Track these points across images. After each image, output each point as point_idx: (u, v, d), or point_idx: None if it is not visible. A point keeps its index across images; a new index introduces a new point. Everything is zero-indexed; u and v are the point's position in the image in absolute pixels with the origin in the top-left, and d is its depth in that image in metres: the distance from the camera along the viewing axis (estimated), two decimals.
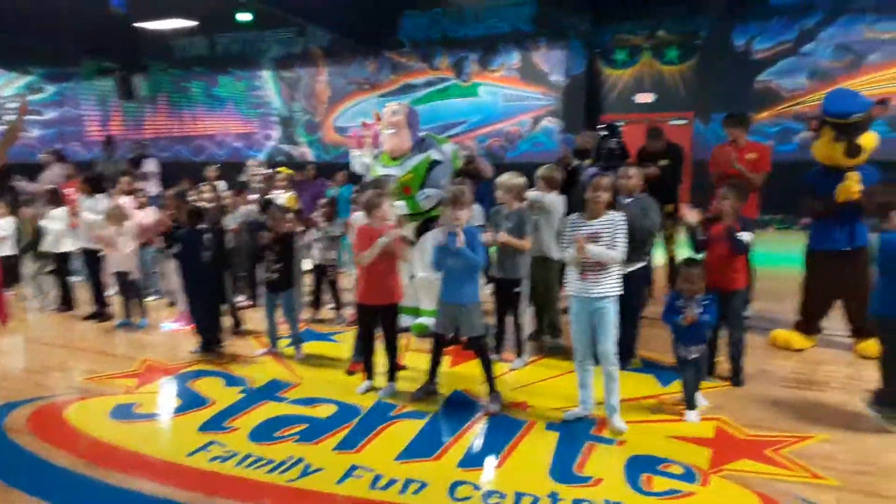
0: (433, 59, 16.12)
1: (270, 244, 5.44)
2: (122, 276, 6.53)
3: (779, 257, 6.71)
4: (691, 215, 4.77)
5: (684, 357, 4.24)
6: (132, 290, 6.55)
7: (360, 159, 6.32)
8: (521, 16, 15.11)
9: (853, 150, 5.04)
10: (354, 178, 7.83)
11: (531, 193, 5.38)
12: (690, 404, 4.23)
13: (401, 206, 5.72)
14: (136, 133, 20.32)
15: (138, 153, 10.49)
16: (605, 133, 6.72)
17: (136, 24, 16.31)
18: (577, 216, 4.15)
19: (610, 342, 4.05)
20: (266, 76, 18.29)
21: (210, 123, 19.33)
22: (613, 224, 4.01)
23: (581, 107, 14.39)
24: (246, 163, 9.70)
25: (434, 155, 5.83)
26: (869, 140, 5.09)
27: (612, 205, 4.09)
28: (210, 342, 5.64)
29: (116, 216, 6.44)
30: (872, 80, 12.18)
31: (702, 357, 4.26)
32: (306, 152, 17.94)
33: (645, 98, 14.12)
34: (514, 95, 15.41)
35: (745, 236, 4.58)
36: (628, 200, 4.91)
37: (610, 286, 4.01)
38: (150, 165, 9.94)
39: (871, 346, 5.14)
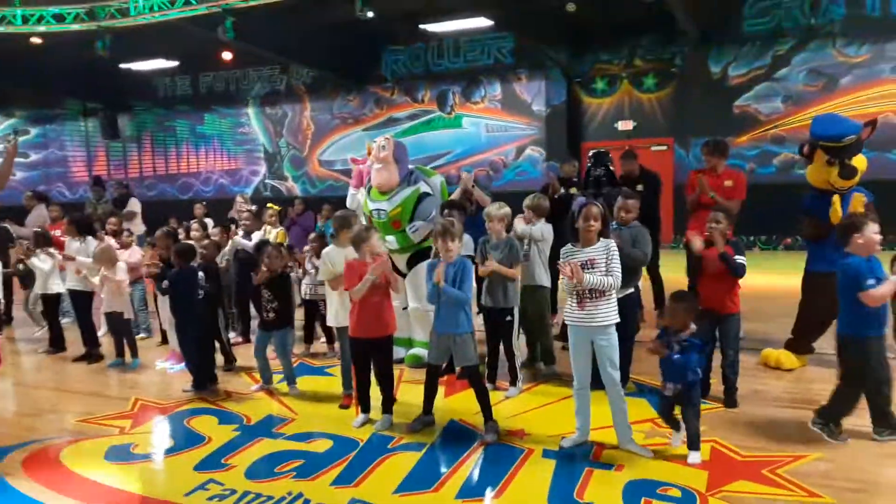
0: (416, 92, 16.37)
1: (266, 283, 5.46)
2: (113, 316, 6.50)
3: (763, 277, 6.80)
4: (696, 242, 4.83)
5: (662, 392, 4.15)
6: (124, 330, 6.53)
7: (355, 197, 6.40)
8: (502, 48, 15.41)
9: (847, 173, 5.16)
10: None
11: (519, 227, 5.46)
12: (693, 444, 3.99)
13: (391, 241, 5.79)
14: (121, 173, 20.34)
15: (121, 193, 10.50)
16: (593, 161, 6.84)
17: (119, 65, 16.42)
18: (570, 245, 4.20)
19: (617, 370, 4.09)
20: (250, 113, 18.46)
21: (195, 161, 19.41)
22: (608, 251, 4.07)
23: (563, 135, 14.64)
24: (234, 199, 9.74)
25: (423, 188, 5.91)
26: (860, 162, 5.22)
27: (604, 232, 4.16)
28: (203, 380, 5.62)
29: (106, 258, 6.44)
30: (846, 102, 12.50)
31: (679, 396, 4.02)
32: (293, 187, 18.03)
33: (626, 125, 14.39)
34: (497, 126, 15.65)
35: (740, 259, 4.67)
36: (622, 229, 5.00)
37: (608, 313, 4.05)
38: (134, 205, 9.96)
39: (770, 354, 5.29)
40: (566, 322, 4.29)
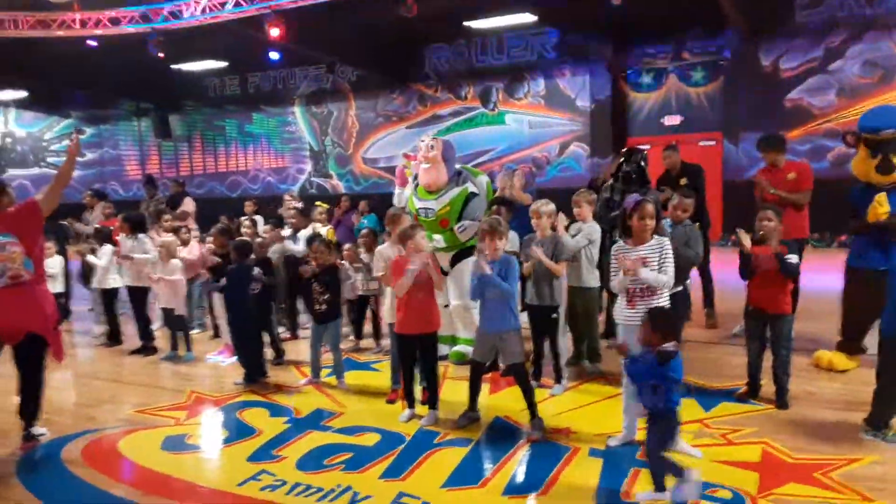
0: (459, 89, 16.39)
1: (317, 276, 5.57)
2: (168, 311, 6.71)
3: (818, 276, 6.65)
4: (745, 240, 4.76)
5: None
6: (178, 325, 6.73)
7: (402, 195, 6.46)
8: (545, 43, 15.32)
9: (885, 167, 5.03)
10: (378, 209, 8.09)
11: (566, 238, 5.41)
12: (658, 483, 3.52)
13: (438, 240, 5.84)
14: (173, 171, 20.88)
15: (176, 191, 10.79)
16: (624, 157, 6.69)
17: (171, 66, 16.85)
18: (621, 242, 4.18)
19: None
20: (297, 112, 18.75)
21: (244, 159, 19.82)
22: (661, 249, 4.04)
23: (608, 131, 14.49)
24: (283, 196, 9.93)
25: (470, 187, 5.95)
26: None
27: (657, 230, 4.12)
28: (254, 373, 5.76)
29: (165, 252, 6.65)
30: None
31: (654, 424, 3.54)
32: (338, 185, 18.26)
33: (672, 120, 14.16)
34: (540, 122, 15.58)
35: (793, 258, 4.58)
36: (675, 227, 4.97)
37: None
38: (188, 204, 10.20)
39: (823, 356, 5.13)
40: (616, 320, 4.27)
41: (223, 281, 5.83)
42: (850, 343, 5.48)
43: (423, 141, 6.06)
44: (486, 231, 4.51)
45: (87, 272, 7.89)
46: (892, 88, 12.18)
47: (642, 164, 6.37)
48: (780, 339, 4.70)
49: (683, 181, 6.79)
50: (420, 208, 5.92)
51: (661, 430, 3.50)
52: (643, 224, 4.03)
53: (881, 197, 5.04)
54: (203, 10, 12.13)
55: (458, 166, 6.14)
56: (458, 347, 6.02)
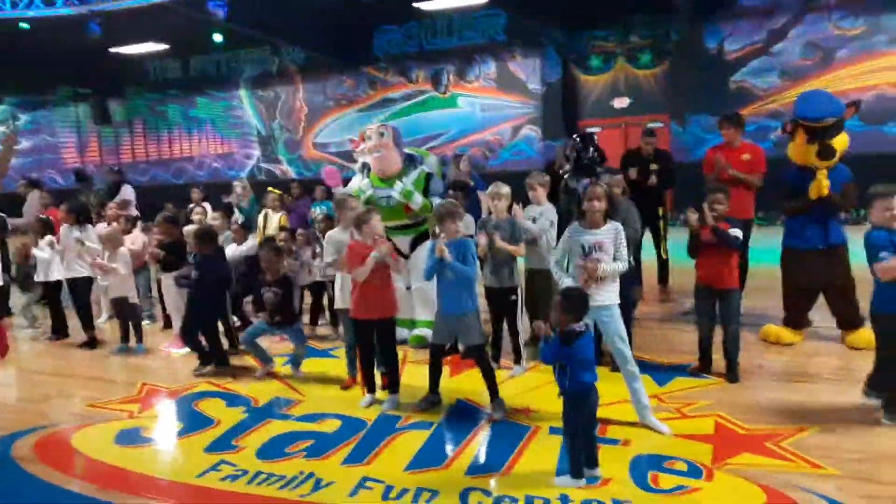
0: (410, 72, 16.27)
1: (269, 285, 5.50)
2: (119, 302, 6.52)
3: (763, 253, 6.85)
4: (691, 217, 4.85)
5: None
6: (130, 315, 6.55)
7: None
8: (495, 26, 15.31)
9: (825, 153, 5.21)
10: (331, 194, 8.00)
11: (527, 223, 5.44)
12: (574, 468, 3.53)
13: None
14: (113, 158, 20.22)
15: (114, 179, 10.32)
16: (581, 144, 6.71)
17: (109, 49, 16.25)
18: (577, 224, 4.22)
19: (626, 345, 4.14)
20: (243, 96, 18.33)
21: (189, 145, 19.31)
22: (616, 234, 4.10)
23: (559, 114, 14.60)
24: (232, 183, 9.70)
25: (426, 168, 5.94)
26: (841, 142, 5.26)
27: (610, 214, 4.16)
28: (216, 361, 5.68)
29: (112, 241, 6.45)
30: (843, 75, 12.49)
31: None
32: (287, 170, 17.97)
33: (621, 102, 14.35)
34: (492, 105, 15.59)
35: (734, 231, 4.70)
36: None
37: (610, 294, 4.11)
38: (127, 192, 9.80)
39: (860, 337, 5.32)
40: None
41: (193, 273, 5.69)
42: (794, 318, 5.67)
43: (370, 129, 5.97)
44: (444, 214, 4.51)
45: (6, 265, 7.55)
46: (832, 70, 12.57)
47: (596, 149, 6.41)
48: (729, 313, 4.84)
49: (654, 166, 6.88)
50: (380, 197, 5.87)
51: (574, 411, 3.52)
52: (591, 206, 4.08)
53: (823, 174, 5.22)
54: None
55: (406, 150, 6.12)
56: (418, 331, 6.01)
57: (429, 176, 5.95)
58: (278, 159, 18.11)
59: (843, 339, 5.51)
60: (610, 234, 4.10)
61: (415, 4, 14.08)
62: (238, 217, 7.82)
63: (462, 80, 15.82)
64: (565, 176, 6.26)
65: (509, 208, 5.30)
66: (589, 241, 4.10)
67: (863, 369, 4.93)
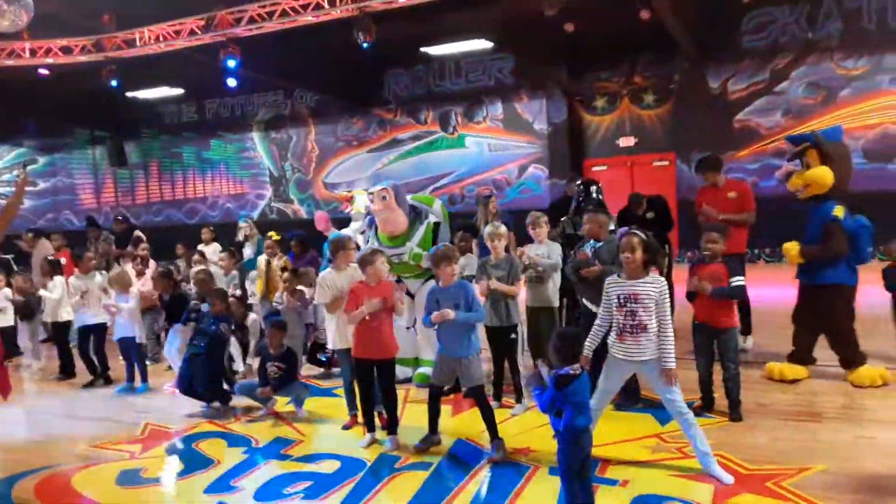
0: (419, 113, 16.52)
1: (274, 357, 5.56)
2: (126, 342, 6.58)
3: (769, 291, 6.84)
4: (692, 284, 4.85)
5: None
6: (135, 355, 6.60)
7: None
8: (502, 69, 15.57)
9: (787, 177, 5.57)
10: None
11: (533, 252, 5.52)
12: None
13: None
14: (129, 199, 20.53)
15: (120, 229, 10.29)
16: (583, 189, 6.76)
17: (125, 94, 16.65)
18: (616, 276, 4.09)
19: (676, 394, 3.98)
20: (255, 138, 18.65)
21: (202, 186, 19.60)
22: (659, 288, 3.93)
23: (566, 153, 14.72)
24: (238, 223, 9.83)
25: (432, 219, 6.02)
26: (813, 174, 5.37)
27: (654, 263, 4.02)
28: (219, 400, 5.72)
29: (121, 283, 6.54)
30: (846, 114, 12.57)
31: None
32: (299, 209, 18.17)
33: (627, 142, 14.47)
34: (499, 145, 15.76)
35: (736, 281, 4.73)
36: (599, 244, 5.06)
37: (650, 347, 3.95)
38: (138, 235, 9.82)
39: (862, 374, 5.29)
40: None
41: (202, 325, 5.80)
42: (799, 354, 5.64)
43: (371, 193, 5.94)
44: (439, 258, 4.56)
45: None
46: (835, 108, 12.65)
47: (599, 196, 6.45)
48: (728, 352, 4.82)
49: (650, 215, 6.91)
50: (391, 255, 5.91)
51: (569, 452, 3.47)
52: (625, 257, 3.98)
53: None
54: (157, 39, 12.05)
55: (409, 199, 6.14)
56: (423, 370, 6.00)
57: (436, 226, 5.98)
58: (290, 199, 18.32)
59: (846, 377, 5.47)
60: (648, 287, 3.92)
61: (423, 49, 14.39)
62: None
63: (470, 121, 16.03)
64: (562, 219, 6.35)
65: (508, 247, 5.36)
66: (624, 292, 3.97)
67: (868, 407, 4.92)
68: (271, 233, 7.92)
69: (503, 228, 5.33)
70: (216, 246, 10.05)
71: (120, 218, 10.70)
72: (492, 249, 5.32)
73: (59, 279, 7.11)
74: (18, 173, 5.08)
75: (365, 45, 10.07)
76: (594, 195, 6.30)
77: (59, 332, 7.26)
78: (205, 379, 5.68)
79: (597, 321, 4.18)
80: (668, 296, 3.96)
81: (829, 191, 5.37)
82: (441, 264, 4.55)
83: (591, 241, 5.12)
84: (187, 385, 5.75)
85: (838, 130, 5.86)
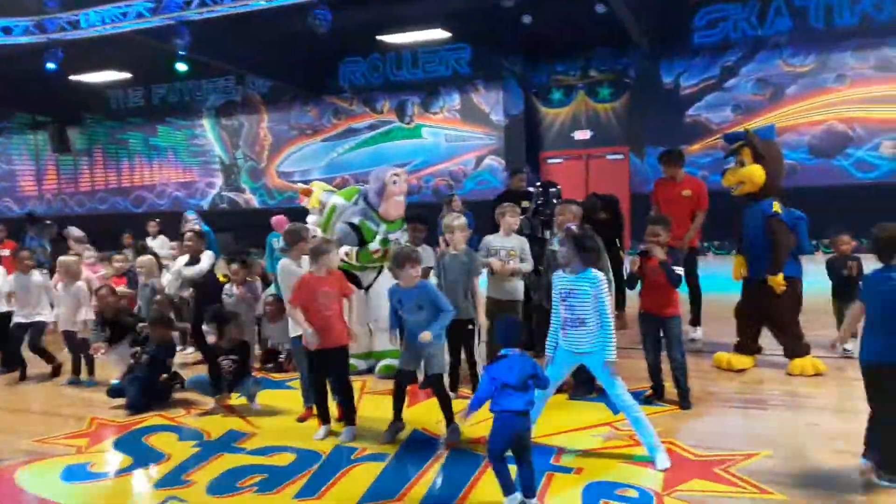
0: (375, 102, 16.40)
1: (227, 351, 5.44)
2: (69, 335, 6.38)
3: (718, 282, 7.01)
4: (634, 266, 4.99)
5: None
6: (81, 348, 6.40)
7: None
8: (459, 59, 15.56)
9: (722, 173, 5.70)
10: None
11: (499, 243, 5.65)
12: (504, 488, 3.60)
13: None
14: (72, 186, 19.88)
15: (51, 236, 9.82)
16: (542, 192, 6.81)
17: (69, 77, 16.08)
18: (562, 272, 4.17)
19: (619, 387, 4.05)
20: (206, 124, 18.24)
21: (149, 174, 19.09)
22: (594, 283, 4.01)
23: (522, 145, 14.82)
24: (184, 214, 9.58)
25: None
26: (746, 172, 5.53)
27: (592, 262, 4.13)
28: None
29: (70, 272, 6.33)
30: (793, 111, 12.96)
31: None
32: (250, 199, 17.87)
33: (582, 135, 14.64)
34: (456, 136, 15.77)
35: (678, 270, 4.84)
36: (557, 240, 5.12)
37: (590, 341, 4.04)
38: (76, 233, 9.39)
39: (799, 365, 5.48)
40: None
41: (144, 359, 5.69)
42: (746, 344, 5.81)
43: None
44: (402, 259, 4.47)
45: None
46: (782, 105, 13.03)
47: (557, 199, 6.45)
48: (672, 340, 4.92)
49: (604, 216, 6.92)
50: (393, 240, 5.93)
51: (496, 435, 3.59)
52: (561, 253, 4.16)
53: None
54: (103, 21, 11.65)
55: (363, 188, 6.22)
56: (387, 361, 5.93)
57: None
58: (242, 188, 17.99)
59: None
60: (584, 283, 4.02)
61: (379, 37, 14.27)
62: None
63: (426, 112, 16.00)
64: (522, 216, 6.39)
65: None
66: (565, 287, 4.07)
67: (810, 395, 5.10)
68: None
69: (461, 220, 5.32)
70: (163, 239, 9.79)
71: (48, 223, 10.22)
72: (450, 241, 5.31)
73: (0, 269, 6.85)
74: None
75: (322, 29, 9.92)
76: (553, 199, 6.33)
77: (1, 325, 6.97)
78: (147, 393, 5.60)
79: (552, 317, 4.22)
80: (605, 291, 4.02)
81: (763, 188, 5.52)
82: (405, 265, 4.45)
83: (559, 236, 5.17)
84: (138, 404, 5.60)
85: (771, 129, 6.05)
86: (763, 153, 5.49)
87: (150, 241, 9.52)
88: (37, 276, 6.75)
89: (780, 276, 5.40)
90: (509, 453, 3.59)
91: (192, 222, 9.15)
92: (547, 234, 6.07)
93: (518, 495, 3.56)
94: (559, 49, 14.37)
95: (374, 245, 5.88)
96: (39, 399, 6.12)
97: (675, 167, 6.63)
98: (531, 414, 3.67)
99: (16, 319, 6.72)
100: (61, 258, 6.66)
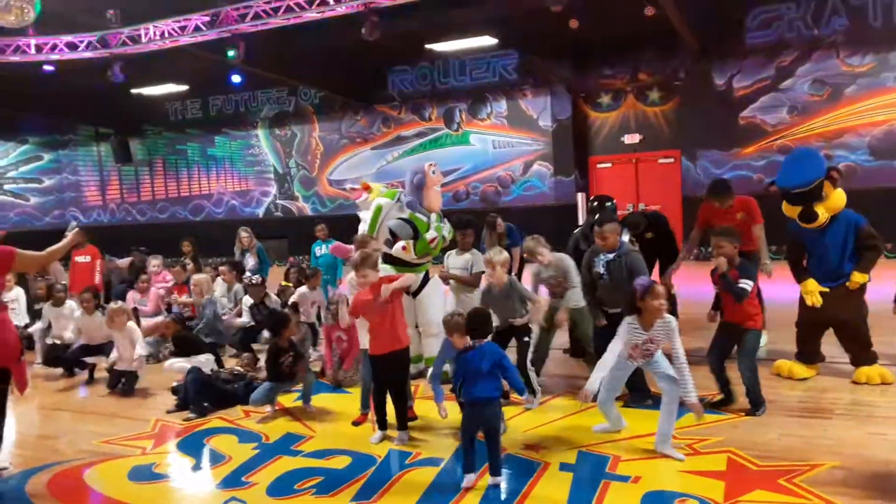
0: (423, 110, 16.51)
1: (285, 349, 5.57)
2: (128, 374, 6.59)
3: (776, 288, 6.83)
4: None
5: None
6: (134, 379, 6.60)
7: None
8: (507, 65, 15.56)
9: (806, 217, 5.37)
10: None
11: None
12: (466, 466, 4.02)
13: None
14: (134, 196, 20.53)
15: (139, 259, 10.01)
16: (599, 203, 6.72)
17: (130, 90, 16.66)
18: (632, 320, 4.24)
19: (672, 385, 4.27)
20: (260, 135, 18.65)
21: (207, 183, 19.61)
22: (667, 329, 4.22)
23: (570, 150, 14.72)
24: (238, 233, 9.45)
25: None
26: (833, 202, 5.34)
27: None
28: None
29: (113, 321, 6.50)
30: (851, 111, 12.56)
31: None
32: (304, 207, 18.18)
33: (632, 139, 14.46)
34: (504, 142, 15.76)
35: (744, 284, 4.75)
36: (611, 257, 5.07)
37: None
38: (155, 261, 9.52)
39: (865, 373, 5.32)
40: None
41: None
42: (807, 353, 5.65)
43: (433, 165, 6.11)
44: (452, 327, 4.25)
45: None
46: (840, 105, 12.63)
47: (613, 214, 6.34)
48: (744, 352, 4.86)
49: (650, 235, 6.80)
50: (444, 235, 6.04)
51: (467, 420, 4.03)
52: (654, 306, 4.13)
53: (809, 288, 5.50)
54: (162, 35, 12.06)
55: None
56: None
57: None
58: (295, 196, 18.33)
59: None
60: (661, 330, 4.21)
61: (427, 46, 14.37)
62: (254, 276, 8.00)
63: (474, 118, 16.03)
64: (574, 232, 6.36)
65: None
66: (642, 338, 4.23)
67: (874, 404, 4.94)
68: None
69: (503, 255, 5.29)
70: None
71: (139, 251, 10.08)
72: (491, 276, 5.28)
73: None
74: (71, 229, 5.26)
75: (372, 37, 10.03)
76: (609, 212, 6.23)
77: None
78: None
79: (608, 354, 4.24)
80: (677, 331, 4.26)
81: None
82: (454, 334, 4.26)
83: (602, 256, 5.12)
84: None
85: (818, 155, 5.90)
86: (835, 175, 5.39)
87: (185, 261, 9.49)
88: (99, 316, 6.91)
89: (867, 277, 5.31)
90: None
91: (245, 240, 9.20)
92: None
93: (473, 476, 3.95)
94: (607, 52, 14.23)
95: (431, 233, 5.92)
96: (104, 402, 6.32)
97: (727, 198, 6.44)
98: None
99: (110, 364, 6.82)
100: (109, 307, 6.74)
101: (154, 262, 9.01)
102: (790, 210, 5.49)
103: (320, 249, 9.15)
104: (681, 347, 4.18)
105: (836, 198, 5.38)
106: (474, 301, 5.62)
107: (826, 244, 5.46)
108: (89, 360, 7.01)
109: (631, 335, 4.23)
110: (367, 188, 6.33)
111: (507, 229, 8.07)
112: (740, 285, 4.74)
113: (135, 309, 7.91)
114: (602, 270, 5.12)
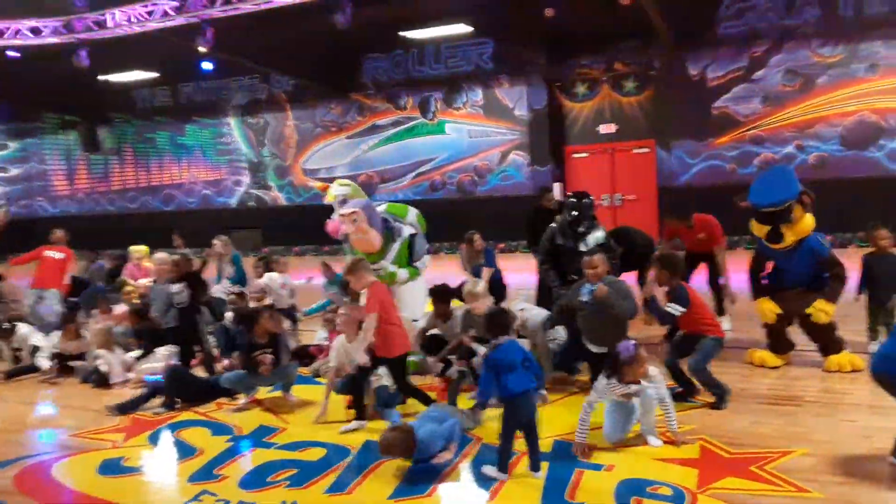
0: (398, 99, 16.39)
1: (264, 346, 5.47)
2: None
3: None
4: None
5: None
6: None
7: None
8: (482, 54, 15.49)
9: (772, 237, 5.44)
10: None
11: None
12: (501, 464, 4.00)
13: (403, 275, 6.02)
14: (104, 185, 20.16)
15: (116, 263, 9.72)
16: (573, 205, 6.66)
17: (97, 77, 16.30)
18: (611, 381, 4.18)
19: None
20: (232, 123, 18.38)
21: (178, 172, 19.30)
22: (656, 384, 4.23)
23: (546, 139, 14.71)
24: (212, 241, 8.84)
25: (405, 232, 6.05)
26: (801, 226, 5.38)
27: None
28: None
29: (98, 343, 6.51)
30: (823, 101, 12.71)
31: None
32: (278, 196, 17.99)
33: (607, 129, 14.51)
34: (480, 131, 15.71)
35: (671, 308, 4.87)
36: (594, 287, 5.01)
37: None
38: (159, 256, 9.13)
39: (836, 361, 5.39)
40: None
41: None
42: (777, 343, 5.72)
43: (342, 214, 5.90)
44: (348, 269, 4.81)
45: None
46: (812, 95, 12.78)
47: (591, 211, 6.26)
48: (698, 353, 4.88)
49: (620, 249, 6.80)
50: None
51: (504, 416, 3.92)
52: (637, 371, 4.13)
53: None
54: (129, 20, 11.79)
55: (381, 209, 6.12)
56: (412, 358, 5.95)
57: (411, 239, 6.06)
58: (268, 185, 18.13)
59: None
60: (647, 388, 4.20)
61: (402, 33, 14.26)
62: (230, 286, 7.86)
63: (450, 107, 15.95)
64: (552, 225, 6.32)
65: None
66: (624, 392, 4.21)
67: (846, 392, 5.01)
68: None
69: (481, 286, 5.43)
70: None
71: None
72: (471, 307, 5.30)
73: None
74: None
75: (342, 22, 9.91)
76: (587, 210, 6.18)
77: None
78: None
79: (590, 398, 4.25)
80: (660, 377, 4.29)
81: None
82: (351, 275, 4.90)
83: (588, 285, 5.09)
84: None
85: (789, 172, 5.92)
86: (806, 199, 5.40)
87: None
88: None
89: (832, 307, 5.36)
90: None
91: (219, 247, 8.74)
92: (582, 246, 5.97)
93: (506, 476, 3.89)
94: (583, 42, 14.22)
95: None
96: (74, 396, 6.21)
97: (679, 222, 6.80)
98: None
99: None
100: (93, 327, 6.79)
101: (136, 251, 8.88)
102: (758, 229, 5.54)
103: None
104: (667, 394, 4.30)
105: (805, 223, 5.42)
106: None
107: (791, 268, 5.57)
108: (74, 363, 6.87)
109: (609, 394, 4.23)
110: (325, 189, 6.38)
111: (485, 251, 7.89)
112: (667, 309, 4.87)
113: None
114: (587, 299, 5.07)
